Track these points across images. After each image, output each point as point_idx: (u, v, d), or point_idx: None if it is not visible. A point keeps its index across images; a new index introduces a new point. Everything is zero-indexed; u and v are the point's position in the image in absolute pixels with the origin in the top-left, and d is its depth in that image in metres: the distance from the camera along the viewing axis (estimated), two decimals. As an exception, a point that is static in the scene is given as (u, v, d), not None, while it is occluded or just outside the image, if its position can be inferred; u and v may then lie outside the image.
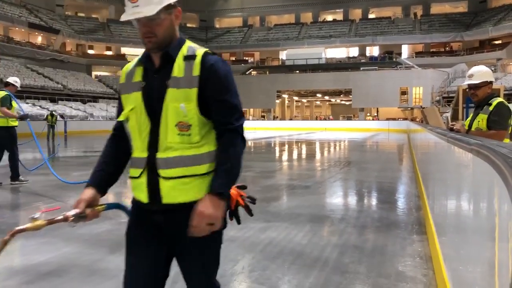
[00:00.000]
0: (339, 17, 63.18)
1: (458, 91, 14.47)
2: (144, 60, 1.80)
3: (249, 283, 3.41)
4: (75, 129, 32.17)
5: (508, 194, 1.08)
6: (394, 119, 45.22)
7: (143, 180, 1.75)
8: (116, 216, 5.70)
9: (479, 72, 3.98)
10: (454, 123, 4.91)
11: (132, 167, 1.81)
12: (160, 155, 1.70)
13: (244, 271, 3.65)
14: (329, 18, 64.48)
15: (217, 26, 67.96)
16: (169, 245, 1.80)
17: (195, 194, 1.69)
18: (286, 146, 20.97)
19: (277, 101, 53.70)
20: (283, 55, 59.98)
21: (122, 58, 59.09)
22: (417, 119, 37.66)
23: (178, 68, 1.70)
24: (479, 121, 3.93)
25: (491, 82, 3.99)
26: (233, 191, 1.88)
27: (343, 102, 61.54)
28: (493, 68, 41.15)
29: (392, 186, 8.55)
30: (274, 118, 51.19)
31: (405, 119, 44.25)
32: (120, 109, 1.87)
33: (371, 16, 62.18)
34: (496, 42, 50.56)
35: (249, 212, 1.93)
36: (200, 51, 1.75)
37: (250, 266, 3.76)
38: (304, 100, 64.24)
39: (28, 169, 9.21)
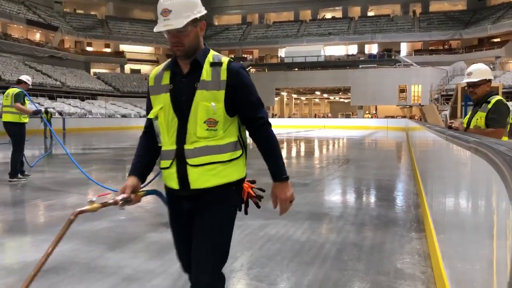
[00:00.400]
0: (338, 14, 63.11)
1: (457, 89, 14.50)
2: (172, 66, 2.07)
3: (248, 280, 3.42)
4: (74, 126, 32.13)
5: (506, 191, 1.08)
6: (392, 117, 45.27)
7: (173, 169, 2.03)
8: (114, 214, 5.71)
9: (478, 70, 3.98)
10: (452, 121, 4.92)
11: (163, 159, 2.09)
12: (188, 146, 1.99)
13: (243, 268, 3.65)
14: (328, 15, 64.40)
15: (216, 23, 67.84)
16: (193, 229, 2.07)
17: (219, 180, 1.99)
18: (285, 144, 20.98)
19: (276, 98, 53.65)
20: (282, 52, 59.90)
21: (120, 55, 59.00)
22: (416, 117, 37.69)
23: (206, 73, 1.99)
24: (477, 119, 3.94)
25: (490, 80, 3.99)
26: (245, 184, 2.17)
27: (341, 100, 61.51)
28: (491, 66, 41.19)
29: (390, 183, 8.56)
30: (273, 115, 51.16)
31: (404, 117, 44.27)
32: (149, 109, 2.16)
33: (370, 13, 62.11)
34: (495, 40, 50.55)
35: (257, 203, 2.24)
36: (224, 59, 2.04)
37: (249, 263, 3.77)
38: (303, 98, 64.20)
39: (30, 165, 9.28)
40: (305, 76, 49.98)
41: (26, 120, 8.20)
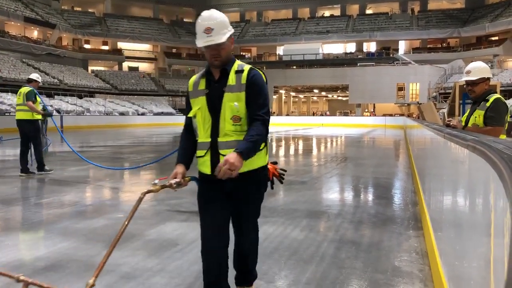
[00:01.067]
0: (337, 12, 63.09)
1: (455, 87, 14.50)
2: (207, 74, 2.59)
3: (246, 278, 3.42)
4: (71, 124, 32.07)
5: (504, 189, 1.09)
6: (391, 115, 45.33)
7: (207, 158, 2.54)
8: (112, 212, 5.71)
9: (477, 69, 3.98)
10: (450, 119, 4.91)
11: (199, 149, 2.59)
12: (220, 139, 2.48)
13: (241, 266, 3.65)
14: (327, 13, 64.36)
15: (214, 21, 67.73)
16: (228, 203, 2.62)
17: (245, 168, 2.44)
18: (283, 142, 20.98)
19: (274, 96, 53.64)
20: (280, 50, 59.86)
21: (118, 53, 58.86)
22: (414, 115, 37.71)
23: (232, 79, 2.50)
24: (476, 117, 3.94)
25: (488, 79, 3.99)
26: (270, 166, 2.81)
27: (340, 98, 61.57)
28: (490, 64, 41.02)
29: (388, 181, 8.57)
30: (271, 113, 51.14)
31: (402, 115, 44.31)
32: (188, 109, 2.65)
33: (368, 11, 62.09)
34: (493, 38, 50.58)
35: (280, 180, 2.94)
36: (246, 67, 2.56)
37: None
38: (301, 96, 64.20)
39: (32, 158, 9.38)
40: (303, 74, 49.98)
41: (39, 116, 8.57)
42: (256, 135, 2.40)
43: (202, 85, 2.57)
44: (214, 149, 2.49)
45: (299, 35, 59.12)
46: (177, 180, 2.46)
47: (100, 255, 3.89)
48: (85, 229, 4.74)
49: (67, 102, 38.83)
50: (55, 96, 39.38)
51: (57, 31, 51.56)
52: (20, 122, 8.50)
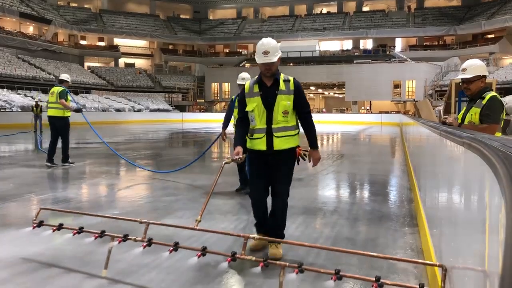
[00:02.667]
0: (333, 9, 63.01)
1: (451, 84, 14.54)
2: (259, 81, 3.80)
3: (242, 274, 3.43)
4: (67, 120, 31.90)
5: (499, 187, 1.09)
6: (387, 112, 45.33)
7: (264, 139, 3.75)
8: (108, 208, 5.70)
9: (472, 66, 3.99)
10: (446, 116, 4.93)
11: (256, 134, 3.78)
12: (274, 126, 3.73)
13: (237, 263, 3.66)
14: (323, 10, 64.29)
15: (211, 17, 67.56)
16: (272, 173, 3.85)
17: (288, 145, 3.77)
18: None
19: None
20: (276, 47, 59.74)
21: (114, 49, 58.61)
22: (410, 113, 37.82)
23: (282, 86, 3.74)
24: (472, 114, 3.95)
25: (484, 76, 4.00)
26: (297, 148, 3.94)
27: (336, 95, 61.49)
28: (485, 62, 41.30)
29: (384, 178, 8.60)
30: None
31: (398, 112, 44.39)
32: (244, 105, 3.84)
33: (365, 9, 62.04)
34: (489, 36, 50.64)
35: (304, 158, 3.97)
36: (290, 78, 3.82)
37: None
38: (298, 93, 64.05)
39: (42, 150, 9.83)
40: (300, 71, 49.87)
41: (69, 114, 9.45)
42: (313, 129, 3.90)
43: (256, 89, 3.79)
44: (269, 133, 3.74)
45: (295, 32, 59.04)
46: (240, 156, 3.71)
47: (96, 252, 3.88)
48: (81, 225, 4.72)
49: (63, 98, 38.61)
50: (51, 92, 39.14)
51: (53, 27, 51.26)
52: (51, 119, 9.37)
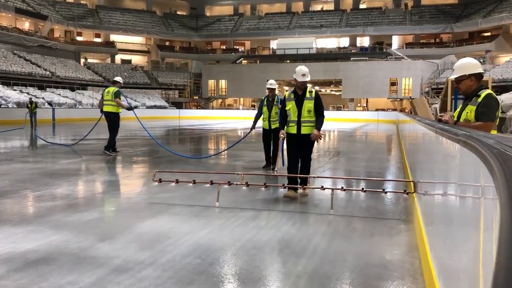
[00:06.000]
0: (330, 7, 62.95)
1: (447, 82, 14.56)
2: (294, 91, 6.28)
3: (237, 271, 3.43)
4: (63, 116, 31.87)
5: (494, 184, 1.10)
6: (383, 109, 45.41)
7: (295, 126, 6.20)
8: (104, 205, 5.69)
9: (459, 66, 4.03)
10: (442, 114, 4.94)
11: (291, 123, 6.25)
12: (302, 119, 6.19)
13: (233, 259, 3.67)
14: (320, 7, 64.23)
15: (208, 14, 67.37)
16: (300, 147, 6.31)
17: (310, 131, 6.22)
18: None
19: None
20: (273, 44, 59.63)
21: (111, 45, 58.38)
22: (406, 110, 37.86)
23: (308, 94, 6.22)
24: (467, 112, 3.96)
25: (472, 75, 3.99)
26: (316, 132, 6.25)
27: (333, 92, 61.46)
28: (481, 60, 41.39)
29: (380, 176, 8.61)
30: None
31: (395, 109, 44.44)
32: (284, 105, 6.31)
33: (362, 6, 62.01)
34: (486, 34, 50.77)
35: (318, 140, 6.42)
36: (312, 89, 6.35)
37: (238, 253, 3.78)
38: (294, 90, 64.01)
39: (69, 146, 10.29)
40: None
41: (120, 110, 10.96)
42: (321, 122, 6.21)
43: (292, 95, 6.24)
44: (298, 123, 6.15)
45: (292, 29, 58.95)
46: (283, 136, 6.41)
47: (92, 248, 3.88)
48: (77, 222, 4.72)
49: (59, 94, 38.51)
50: (47, 89, 39.02)
51: (49, 23, 50.97)
52: (107, 114, 10.87)
